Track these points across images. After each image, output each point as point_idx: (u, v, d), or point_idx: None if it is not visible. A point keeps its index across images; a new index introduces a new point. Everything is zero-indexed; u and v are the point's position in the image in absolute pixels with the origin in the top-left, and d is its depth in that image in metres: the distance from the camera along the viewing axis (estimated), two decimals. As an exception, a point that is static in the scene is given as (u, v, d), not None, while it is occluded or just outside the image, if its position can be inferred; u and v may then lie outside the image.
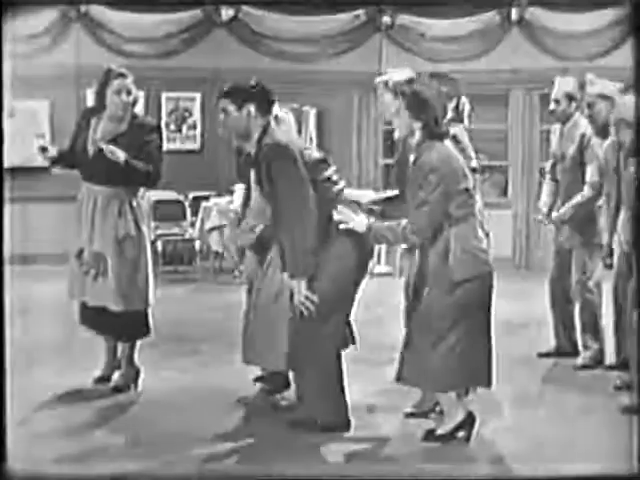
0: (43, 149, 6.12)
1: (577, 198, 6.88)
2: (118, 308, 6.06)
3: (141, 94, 12.52)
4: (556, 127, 7.33)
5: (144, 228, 6.16)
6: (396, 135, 5.53)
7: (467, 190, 5.10)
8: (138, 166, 6.00)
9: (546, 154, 7.70)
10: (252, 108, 5.27)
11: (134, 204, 6.12)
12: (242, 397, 6.02)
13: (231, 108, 5.29)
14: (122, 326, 6.13)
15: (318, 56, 12.97)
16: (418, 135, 5.13)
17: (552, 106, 7.17)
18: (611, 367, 6.66)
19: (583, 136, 6.92)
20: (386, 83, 5.77)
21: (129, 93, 6.07)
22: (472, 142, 5.92)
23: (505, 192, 13.07)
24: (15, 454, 4.35)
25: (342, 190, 5.42)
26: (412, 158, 5.19)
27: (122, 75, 6.08)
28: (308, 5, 12.68)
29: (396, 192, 5.53)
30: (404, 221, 5.08)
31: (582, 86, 7.02)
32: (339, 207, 5.25)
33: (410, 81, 5.48)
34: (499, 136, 13.01)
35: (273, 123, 5.34)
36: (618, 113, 5.94)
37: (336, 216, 5.22)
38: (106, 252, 6.05)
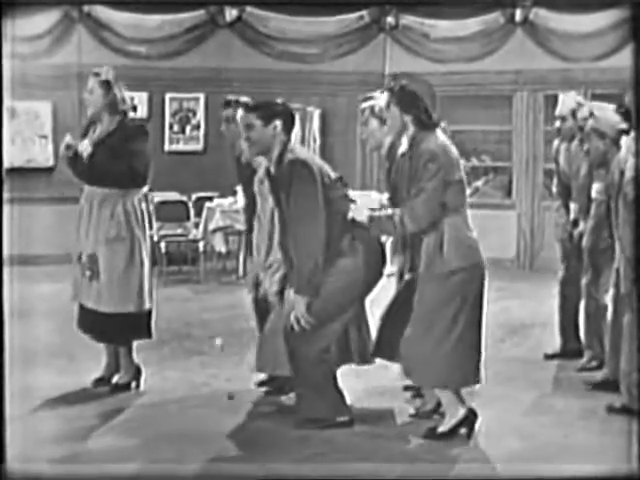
0: (68, 147, 6.13)
1: (589, 224, 6.81)
2: (109, 310, 6.05)
3: (144, 95, 12.73)
4: (561, 146, 7.17)
5: (137, 231, 6.12)
6: (387, 141, 5.68)
7: (461, 181, 5.17)
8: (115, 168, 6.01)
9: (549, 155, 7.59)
10: (278, 124, 5.34)
11: (128, 206, 6.11)
12: (246, 398, 6.03)
13: (257, 123, 5.36)
14: (115, 329, 6.11)
15: (322, 57, 12.97)
16: (411, 128, 5.19)
17: (558, 124, 7.12)
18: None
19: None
20: (372, 109, 5.80)
21: (92, 92, 6.10)
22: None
23: (509, 193, 13.05)
24: (14, 455, 4.34)
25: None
26: (405, 150, 5.24)
27: (96, 74, 6.13)
28: (312, 6, 12.67)
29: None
30: (400, 209, 5.13)
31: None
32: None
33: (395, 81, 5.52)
34: (503, 137, 12.99)
35: (293, 141, 5.41)
36: (595, 122, 5.97)
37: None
38: (98, 253, 6.07)
